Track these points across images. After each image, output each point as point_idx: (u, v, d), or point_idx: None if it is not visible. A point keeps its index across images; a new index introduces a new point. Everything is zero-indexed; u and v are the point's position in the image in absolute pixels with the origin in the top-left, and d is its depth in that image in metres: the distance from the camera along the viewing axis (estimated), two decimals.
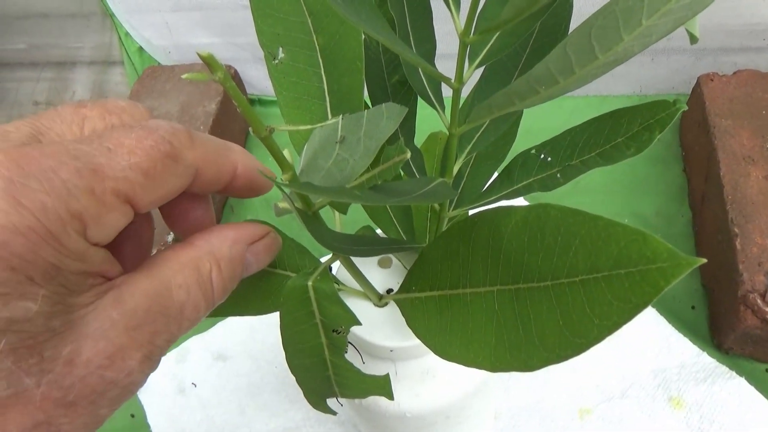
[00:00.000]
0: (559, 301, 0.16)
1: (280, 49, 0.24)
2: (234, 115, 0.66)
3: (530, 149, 0.26)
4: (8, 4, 0.71)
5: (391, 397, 0.26)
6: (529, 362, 0.17)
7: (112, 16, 0.70)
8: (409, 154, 0.17)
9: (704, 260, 0.14)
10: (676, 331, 0.48)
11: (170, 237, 0.53)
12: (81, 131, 0.17)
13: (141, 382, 0.17)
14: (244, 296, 0.27)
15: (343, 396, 0.26)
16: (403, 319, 0.23)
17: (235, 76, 0.69)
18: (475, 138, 0.26)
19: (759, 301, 0.41)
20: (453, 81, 0.21)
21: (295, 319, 0.23)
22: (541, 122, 0.58)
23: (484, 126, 0.26)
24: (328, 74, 0.24)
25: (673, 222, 0.56)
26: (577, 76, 0.17)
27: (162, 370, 0.51)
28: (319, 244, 0.20)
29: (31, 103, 0.74)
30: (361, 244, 0.23)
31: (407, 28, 0.23)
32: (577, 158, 0.23)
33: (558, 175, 0.23)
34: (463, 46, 0.20)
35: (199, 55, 0.15)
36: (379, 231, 0.32)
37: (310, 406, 0.27)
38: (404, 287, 0.24)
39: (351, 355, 0.28)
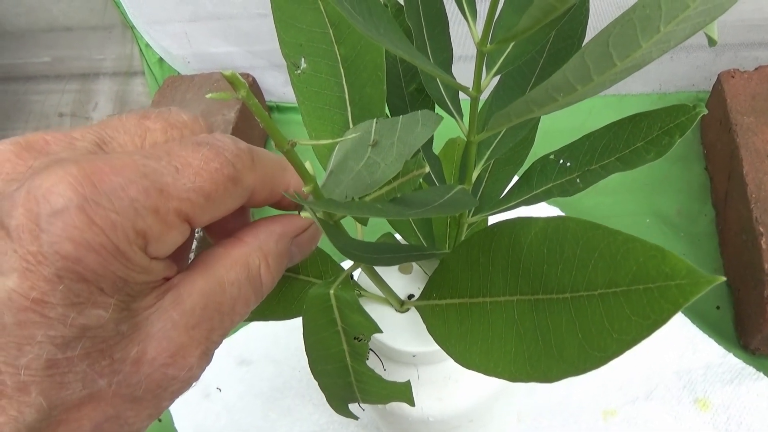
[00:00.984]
0: (578, 313, 0.16)
1: (303, 59, 0.24)
2: (253, 123, 0.67)
3: (549, 154, 0.26)
4: (33, 19, 0.73)
5: (412, 403, 0.26)
6: (548, 373, 0.17)
7: (132, 27, 0.71)
8: (427, 169, 0.17)
9: (723, 278, 0.14)
10: (701, 332, 0.47)
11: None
12: (142, 143, 0.18)
13: (199, 375, 0.18)
14: (268, 302, 0.27)
15: (364, 402, 0.26)
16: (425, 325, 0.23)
17: (253, 84, 0.70)
18: (494, 144, 0.26)
19: None
20: (471, 90, 0.21)
21: (317, 326, 0.24)
22: (558, 123, 0.57)
23: (503, 132, 0.26)
24: (349, 84, 0.24)
25: (696, 221, 0.55)
26: (595, 83, 0.17)
27: None
28: (340, 253, 0.20)
29: (56, 115, 0.76)
30: (382, 252, 0.24)
31: (424, 38, 0.24)
32: (597, 163, 0.23)
33: (578, 180, 0.23)
34: (480, 55, 0.20)
35: (223, 75, 0.15)
36: (399, 237, 0.32)
37: (333, 411, 0.28)
38: (425, 294, 0.24)
39: (372, 362, 0.29)
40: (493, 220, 0.24)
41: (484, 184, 0.29)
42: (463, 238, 0.28)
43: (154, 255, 0.16)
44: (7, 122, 0.77)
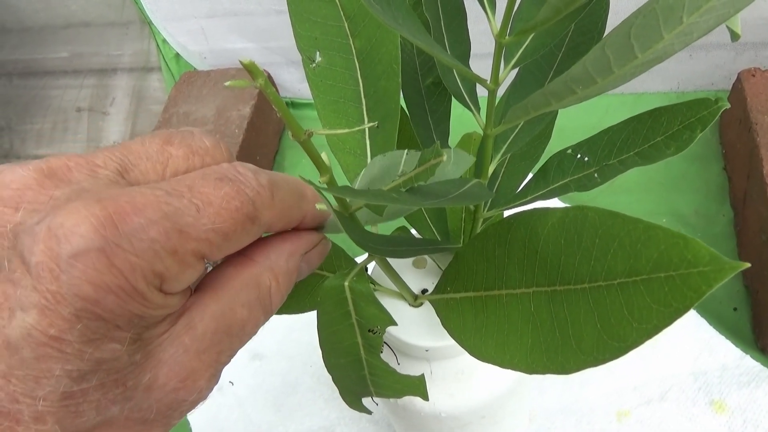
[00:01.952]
0: (596, 303, 0.16)
1: (318, 52, 0.24)
2: (268, 118, 0.67)
3: (566, 149, 0.25)
4: (52, 15, 0.74)
5: (425, 397, 0.26)
6: (565, 365, 0.17)
7: (149, 23, 0.72)
8: (445, 157, 0.17)
9: (748, 264, 0.14)
10: (718, 333, 0.47)
11: None
12: (164, 170, 0.18)
13: (207, 395, 0.18)
14: None
15: (378, 395, 0.26)
16: (438, 319, 0.23)
17: (269, 80, 0.70)
18: (511, 138, 0.26)
19: None
20: (488, 82, 0.21)
21: (331, 318, 0.24)
22: (575, 121, 0.57)
23: (520, 126, 0.26)
24: (364, 77, 0.24)
25: (714, 221, 0.54)
26: (616, 76, 0.17)
27: None
28: (355, 244, 0.20)
29: (74, 110, 0.77)
30: (397, 245, 0.24)
31: (442, 30, 0.23)
32: (615, 158, 0.23)
33: (595, 174, 0.23)
34: (499, 47, 0.20)
35: (241, 62, 0.15)
36: (414, 231, 0.32)
37: (344, 406, 0.28)
38: (439, 288, 0.24)
39: (386, 356, 0.29)
40: (508, 215, 0.24)
41: (500, 178, 0.29)
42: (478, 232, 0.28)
43: (169, 291, 0.16)
44: (26, 116, 0.78)
